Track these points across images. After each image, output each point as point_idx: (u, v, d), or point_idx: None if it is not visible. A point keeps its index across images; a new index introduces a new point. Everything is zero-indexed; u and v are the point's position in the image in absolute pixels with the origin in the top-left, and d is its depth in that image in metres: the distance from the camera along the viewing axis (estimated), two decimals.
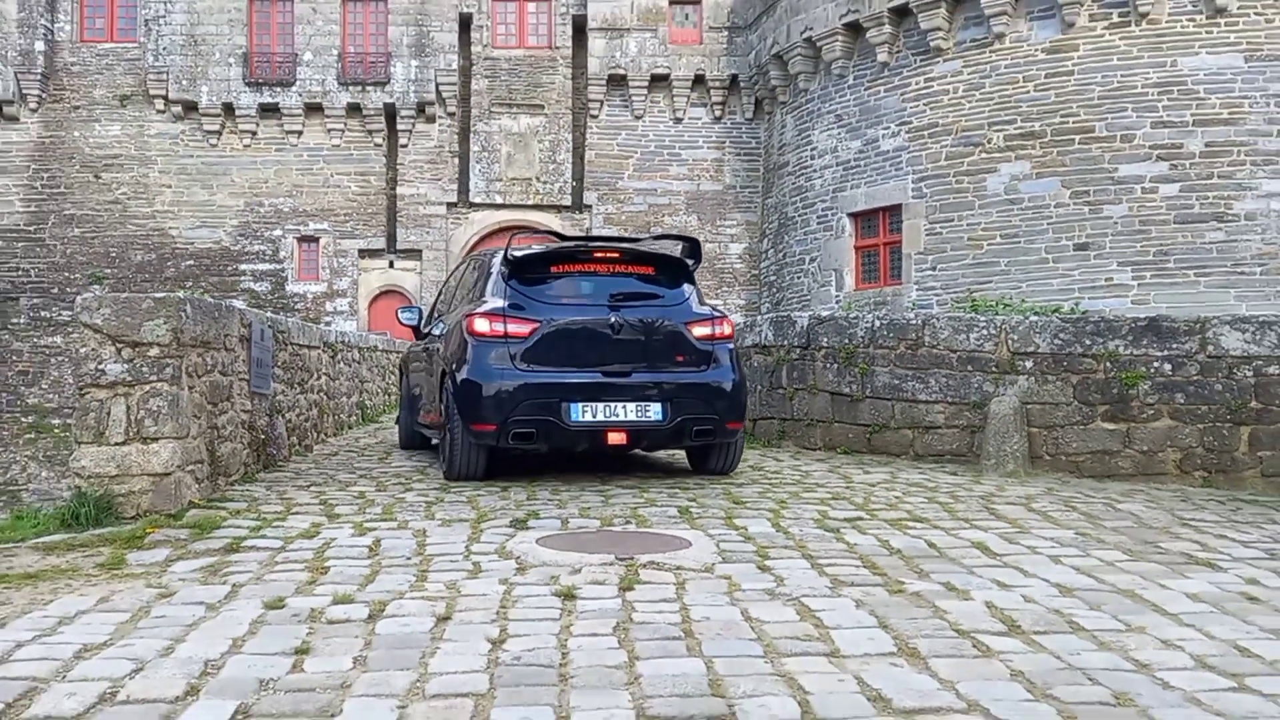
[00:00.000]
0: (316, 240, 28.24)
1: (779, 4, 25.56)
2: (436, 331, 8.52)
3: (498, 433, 6.98)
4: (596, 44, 27.98)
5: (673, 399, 7.14)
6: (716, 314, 7.70)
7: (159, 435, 5.70)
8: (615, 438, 7.13)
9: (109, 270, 27.82)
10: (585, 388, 7.04)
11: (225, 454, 6.75)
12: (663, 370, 7.26)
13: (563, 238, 8.27)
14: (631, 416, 7.07)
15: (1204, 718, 3.02)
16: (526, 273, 7.43)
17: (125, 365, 5.69)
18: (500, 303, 7.23)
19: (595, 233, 27.53)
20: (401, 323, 9.48)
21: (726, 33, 27.93)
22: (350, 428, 12.31)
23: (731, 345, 7.69)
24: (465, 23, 28.30)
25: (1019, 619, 3.98)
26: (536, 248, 7.62)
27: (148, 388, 5.70)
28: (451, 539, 5.36)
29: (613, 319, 7.20)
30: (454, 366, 7.32)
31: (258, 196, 28.28)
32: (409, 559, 4.91)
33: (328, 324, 25.67)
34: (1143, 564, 4.98)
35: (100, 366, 5.66)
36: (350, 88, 27.87)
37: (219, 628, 3.80)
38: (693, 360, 7.35)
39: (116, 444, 5.63)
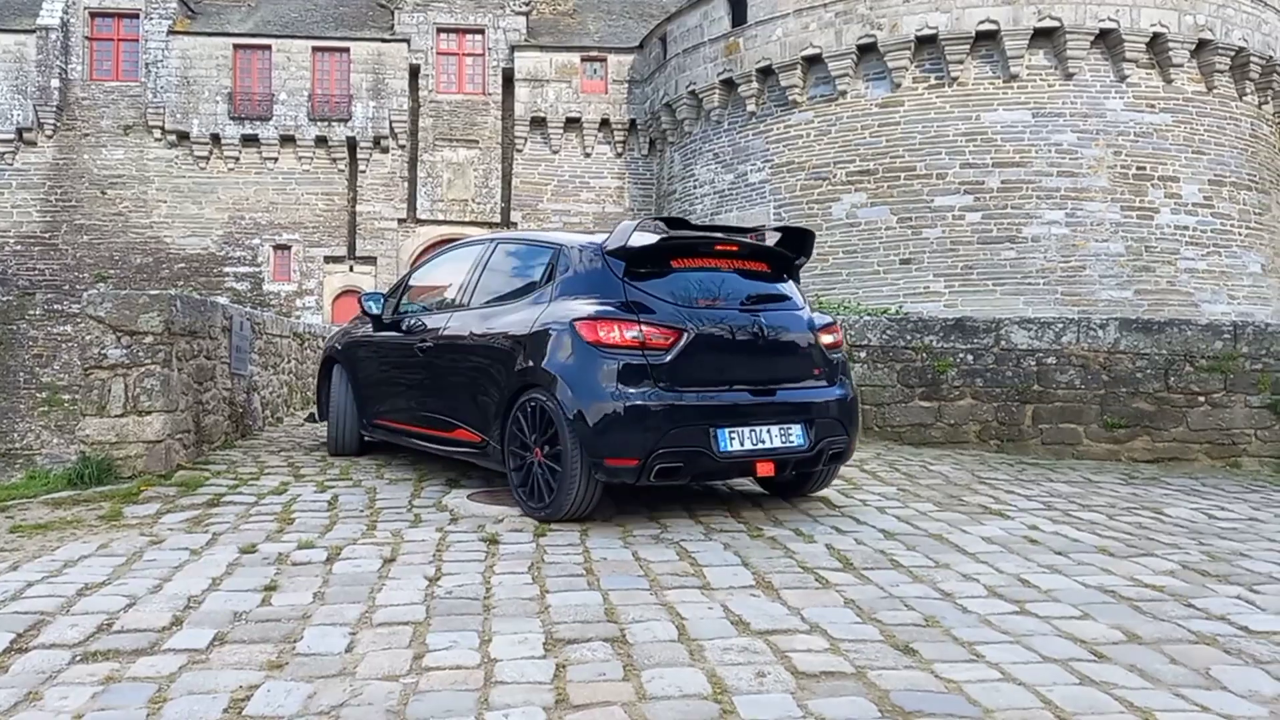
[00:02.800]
0: (289, 248, 27.44)
1: (669, 63, 25.60)
2: (439, 324, 5.67)
3: (639, 469, 4.46)
4: (521, 91, 27.68)
5: (812, 419, 4.90)
6: (832, 319, 5.54)
7: (152, 409, 5.47)
8: (764, 468, 4.78)
9: (112, 271, 26.72)
10: (733, 410, 4.68)
11: (209, 425, 6.51)
12: (801, 386, 4.98)
13: (678, 224, 5.10)
14: (776, 442, 4.73)
15: (993, 635, 3.09)
16: (642, 266, 4.85)
17: (124, 350, 5.45)
18: (611, 305, 4.69)
19: None
20: (364, 310, 6.41)
21: (627, 85, 27.90)
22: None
23: (844, 354, 5.49)
24: (414, 71, 27.77)
25: (852, 558, 4.02)
26: (650, 234, 4.88)
27: (143, 369, 5.47)
28: (397, 495, 5.26)
29: (755, 326, 4.86)
30: (560, 383, 4.62)
31: (240, 211, 27.37)
32: (362, 511, 4.80)
33: (298, 317, 25.00)
34: (949, 514, 5.03)
35: (103, 351, 5.42)
36: (318, 123, 27.15)
37: (201, 569, 3.67)
38: (825, 373, 5.11)
39: (116, 416, 5.41)
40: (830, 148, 21.80)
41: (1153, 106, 20.45)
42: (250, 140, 27.05)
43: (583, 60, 27.87)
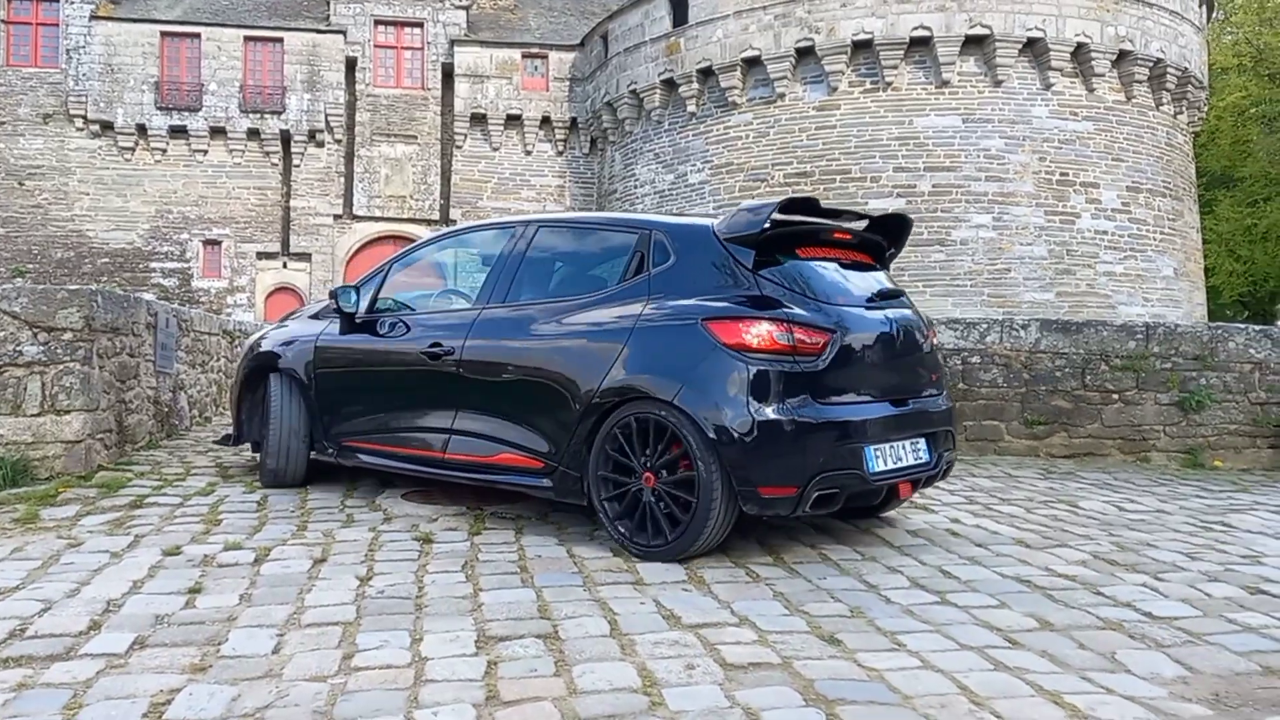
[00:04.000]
0: (219, 244, 26.74)
1: (611, 61, 25.62)
2: (459, 325, 4.62)
3: (797, 498, 3.74)
4: (461, 87, 27.42)
5: (935, 432, 4.30)
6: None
7: (71, 408, 5.29)
8: (905, 490, 4.24)
9: (31, 265, 25.64)
10: (878, 425, 3.98)
11: (132, 424, 6.32)
12: (924, 395, 4.33)
13: (799, 206, 4.18)
14: (909, 460, 4.10)
15: (915, 625, 3.16)
16: (767, 255, 4.03)
17: (41, 347, 5.26)
18: (745, 302, 3.89)
19: None
20: (339, 306, 5.06)
21: (569, 83, 27.85)
22: None
23: None
24: (351, 64, 27.28)
25: (782, 553, 4.07)
26: (768, 206, 4.01)
27: (61, 367, 5.28)
28: (330, 495, 5.16)
29: (888, 327, 4.17)
30: (691, 394, 3.79)
31: (168, 205, 26.55)
32: (293, 512, 4.71)
33: (229, 315, 24.34)
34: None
35: (18, 348, 5.22)
36: (250, 115, 26.50)
37: (121, 572, 3.57)
38: (938, 379, 4.49)
39: (32, 415, 5.21)
40: (769, 150, 22.07)
41: (1076, 114, 21.16)
42: (178, 131, 26.27)
43: (524, 57, 27.74)
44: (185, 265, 26.47)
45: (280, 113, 26.46)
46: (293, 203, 27.05)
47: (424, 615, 3.15)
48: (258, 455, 5.62)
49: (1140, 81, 21.77)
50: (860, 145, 21.16)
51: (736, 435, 3.70)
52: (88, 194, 26.13)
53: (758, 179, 22.06)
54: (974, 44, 20.71)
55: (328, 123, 26.73)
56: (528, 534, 4.33)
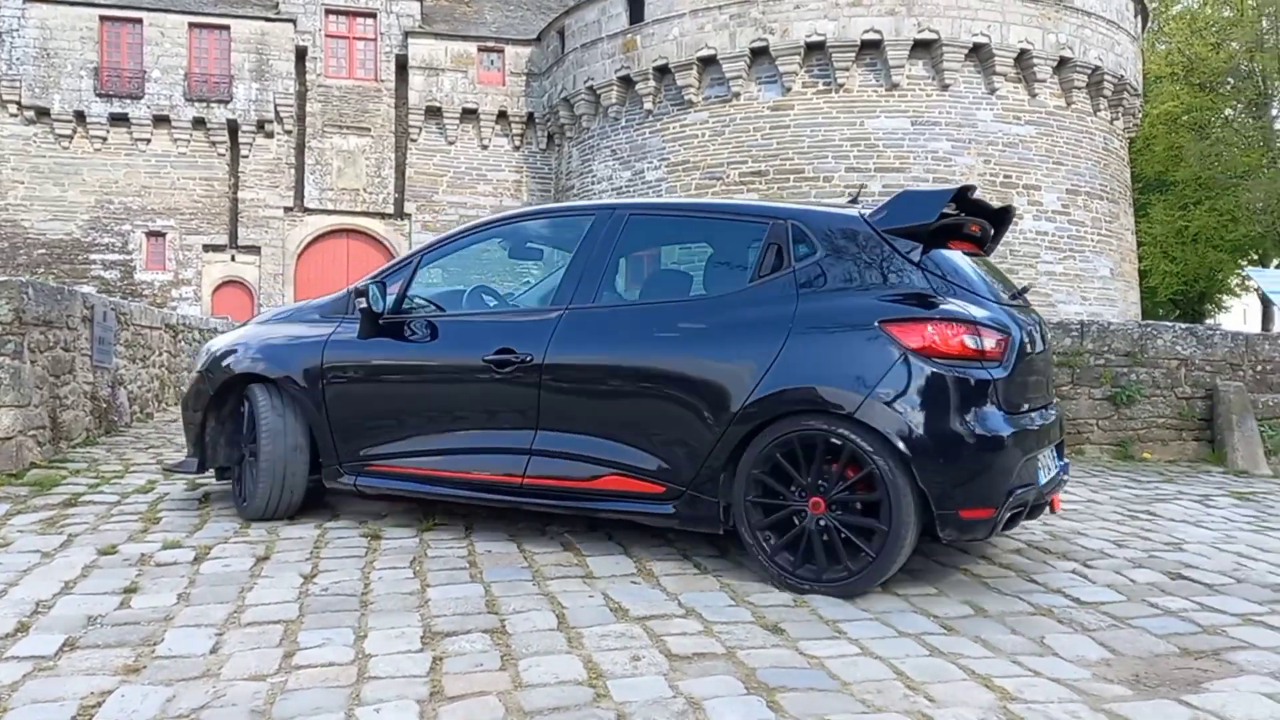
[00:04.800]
0: (164, 235, 26.06)
1: (567, 57, 25.53)
2: (531, 328, 3.94)
3: (994, 520, 3.32)
4: (416, 80, 27.09)
5: (1060, 441, 3.96)
6: None
7: (0, 404, 5.12)
8: (1057, 502, 3.85)
9: None
10: (1041, 434, 3.62)
11: (68, 420, 6.14)
12: (1052, 401, 3.97)
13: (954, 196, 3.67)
14: (1054, 469, 3.76)
15: (857, 613, 3.23)
16: (930, 249, 3.56)
17: None
18: (919, 301, 3.43)
19: (416, 238, 26.72)
20: (368, 304, 4.14)
21: (525, 78, 27.68)
22: None
23: None
24: (301, 54, 26.78)
25: (729, 546, 4.05)
26: (939, 195, 3.60)
27: None
28: None
29: (1035, 327, 3.80)
30: (875, 407, 3.30)
31: (108, 195, 25.78)
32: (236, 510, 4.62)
33: (174, 308, 23.78)
34: None
35: None
36: (196, 103, 25.84)
37: (52, 572, 3.46)
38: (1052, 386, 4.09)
39: None
40: (724, 148, 22.19)
41: (1019, 118, 21.63)
42: (119, 119, 25.54)
43: (479, 50, 27.50)
44: (128, 257, 25.77)
45: (227, 102, 25.88)
46: (241, 194, 26.49)
47: (369, 612, 3.11)
48: (227, 483, 4.74)
49: (1079, 88, 22.32)
50: (813, 145, 21.38)
51: (935, 453, 3.24)
52: (22, 183, 25.28)
53: (714, 177, 22.17)
54: (922, 48, 21.04)
55: (277, 113, 26.21)
56: (478, 530, 4.30)
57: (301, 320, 4.55)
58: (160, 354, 9.30)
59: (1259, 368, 7.76)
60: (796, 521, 3.41)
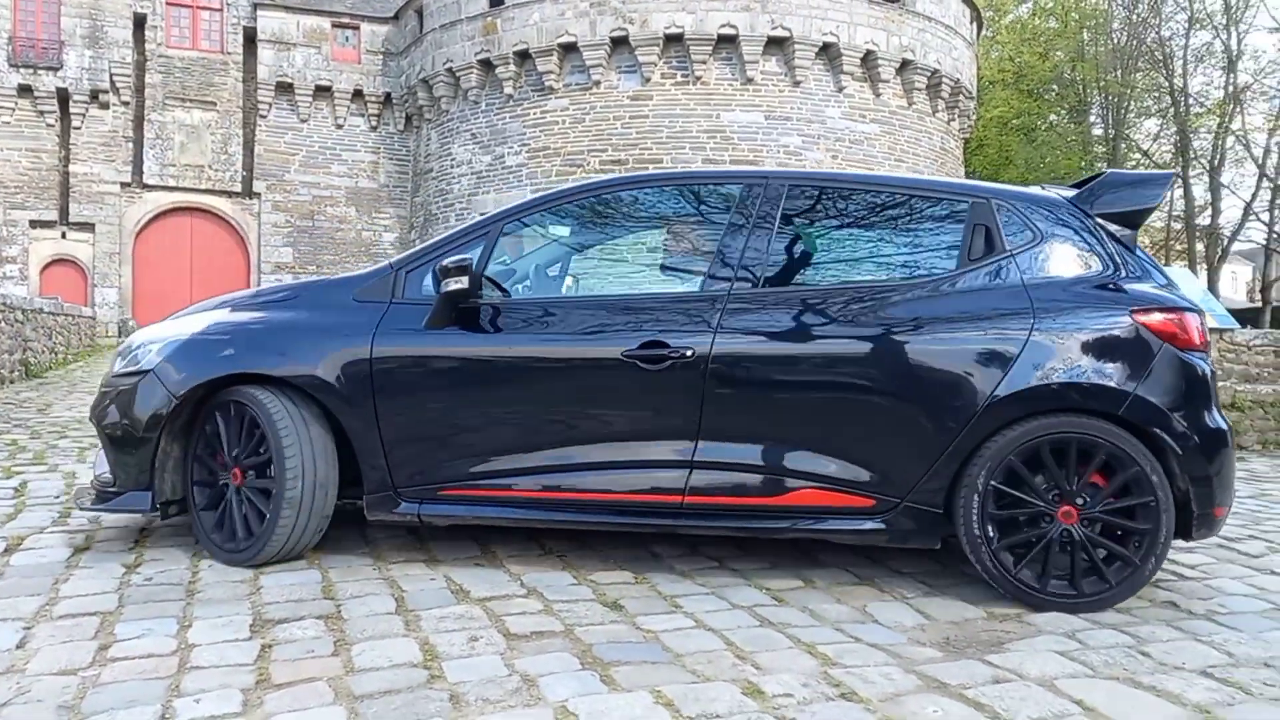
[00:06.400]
0: None
1: (426, 37, 24.82)
2: (679, 318, 3.28)
3: (1226, 517, 3.26)
4: (266, 54, 25.70)
5: None
6: None
7: None
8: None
9: None
10: None
11: None
12: None
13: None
14: None
15: (694, 589, 3.30)
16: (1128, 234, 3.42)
17: None
18: (1138, 290, 3.22)
19: (267, 221, 25.43)
20: (443, 287, 3.23)
21: (382, 56, 26.74)
22: (12, 382, 10.52)
23: None
24: (140, 21, 24.90)
25: (583, 536, 4.13)
26: (1159, 178, 3.45)
27: None
28: None
29: None
30: (1146, 406, 3.05)
31: None
32: (56, 498, 4.29)
33: None
34: None
35: None
36: (21, 70, 23.66)
37: None
38: None
39: None
40: (585, 136, 22.16)
41: (864, 117, 22.62)
42: None
43: (334, 26, 26.34)
44: None
45: (57, 69, 23.80)
46: (72, 168, 24.43)
47: (195, 602, 2.96)
48: (185, 517, 3.60)
49: (920, 89, 23.55)
50: (671, 136, 21.67)
51: (1199, 449, 3.05)
52: None
53: (574, 164, 22.11)
54: (776, 45, 21.65)
55: (113, 83, 24.30)
56: None
57: (316, 305, 3.55)
58: None
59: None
60: (1040, 533, 3.07)
